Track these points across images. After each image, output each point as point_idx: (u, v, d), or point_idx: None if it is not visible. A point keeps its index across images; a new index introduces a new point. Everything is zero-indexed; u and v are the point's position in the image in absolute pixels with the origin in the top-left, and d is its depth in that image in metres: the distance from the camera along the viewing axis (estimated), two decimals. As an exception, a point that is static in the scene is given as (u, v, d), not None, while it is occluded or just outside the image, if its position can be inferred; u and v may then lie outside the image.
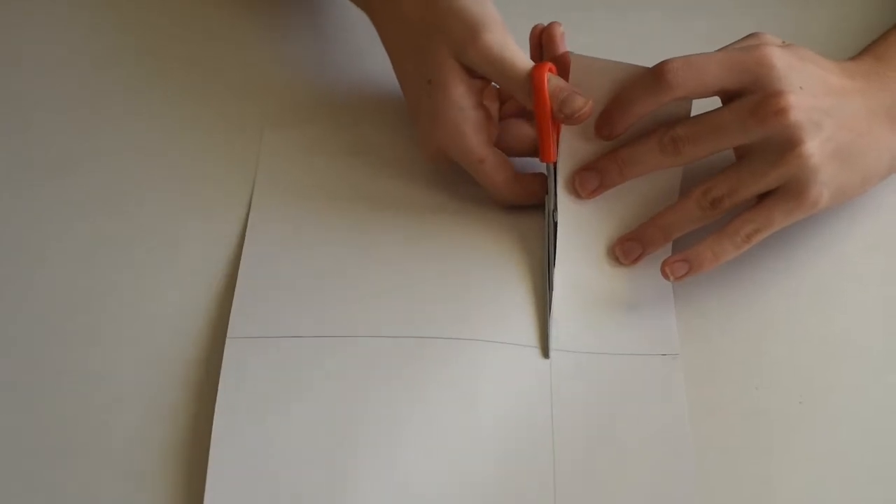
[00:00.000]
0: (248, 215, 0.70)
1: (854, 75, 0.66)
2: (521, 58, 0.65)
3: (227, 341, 0.63)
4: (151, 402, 0.63)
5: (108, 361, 0.64)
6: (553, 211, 0.66)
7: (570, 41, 0.68)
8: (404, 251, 0.68)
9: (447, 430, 0.61)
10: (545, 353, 0.64)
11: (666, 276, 0.64)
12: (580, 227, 0.67)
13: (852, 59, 0.68)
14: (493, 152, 0.67)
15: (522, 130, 0.69)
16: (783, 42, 0.64)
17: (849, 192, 0.65)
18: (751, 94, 0.62)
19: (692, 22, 0.79)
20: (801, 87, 0.62)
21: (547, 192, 0.67)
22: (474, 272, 0.67)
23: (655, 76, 0.63)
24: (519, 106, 0.69)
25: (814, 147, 0.61)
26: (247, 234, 0.69)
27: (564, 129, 0.66)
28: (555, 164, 0.66)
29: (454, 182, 0.70)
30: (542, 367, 0.63)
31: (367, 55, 0.77)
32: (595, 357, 0.64)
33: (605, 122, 0.65)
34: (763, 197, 0.63)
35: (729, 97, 0.63)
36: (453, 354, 0.63)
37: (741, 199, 0.63)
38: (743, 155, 0.64)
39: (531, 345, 0.64)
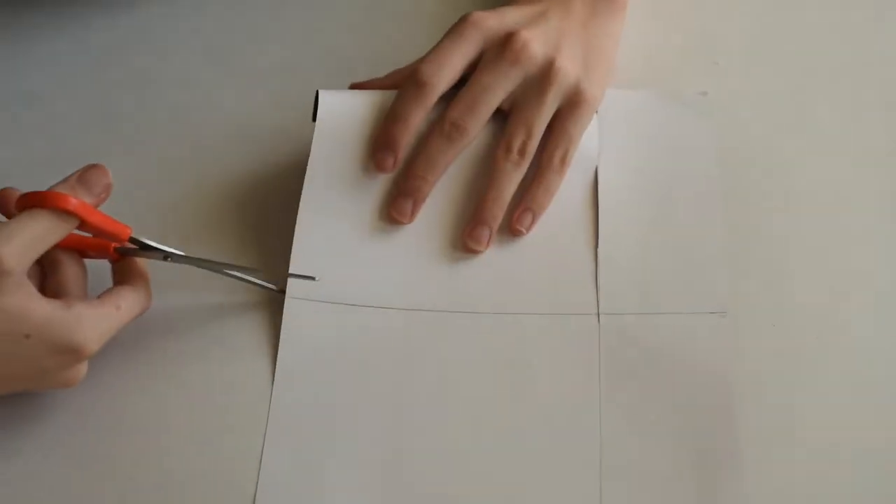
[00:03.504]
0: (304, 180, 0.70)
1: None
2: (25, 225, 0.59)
3: (287, 301, 0.66)
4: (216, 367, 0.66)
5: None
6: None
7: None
8: (456, 224, 0.69)
9: (496, 400, 0.64)
10: (594, 318, 0.66)
11: (519, 232, 0.68)
12: (620, 206, 0.69)
13: None
14: (115, 299, 0.62)
15: (72, 267, 0.63)
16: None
17: (607, 78, 0.71)
18: (489, 50, 0.68)
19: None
20: (516, 23, 0.69)
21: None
22: (522, 244, 0.69)
23: (416, 83, 0.68)
24: None
25: (563, 60, 0.68)
26: (302, 197, 0.69)
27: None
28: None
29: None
30: (592, 332, 0.65)
31: (411, 18, 0.80)
32: (643, 318, 0.66)
33: (387, 147, 0.69)
34: (551, 124, 0.69)
35: (472, 66, 0.69)
36: (503, 327, 0.66)
37: (539, 136, 0.68)
38: (513, 102, 0.69)
39: (581, 312, 0.66)
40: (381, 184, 0.69)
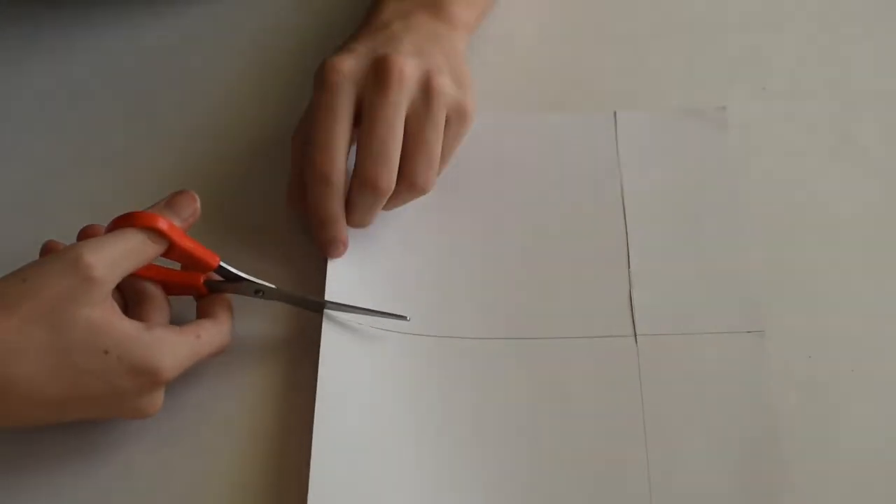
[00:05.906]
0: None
1: (388, 20, 0.71)
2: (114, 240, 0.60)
3: (324, 326, 0.65)
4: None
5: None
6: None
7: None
8: (483, 248, 0.69)
9: (539, 426, 0.63)
10: (632, 339, 0.66)
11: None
12: (653, 219, 0.70)
13: (365, 23, 0.72)
14: (195, 328, 0.62)
15: (155, 299, 0.63)
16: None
17: (467, 81, 0.70)
18: (367, 89, 0.66)
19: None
20: (374, 51, 0.67)
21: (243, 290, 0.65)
22: (554, 268, 0.69)
23: (319, 180, 0.66)
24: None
25: (437, 76, 0.67)
26: None
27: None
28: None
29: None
30: (630, 354, 0.65)
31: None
32: (681, 338, 0.66)
33: (331, 244, 0.67)
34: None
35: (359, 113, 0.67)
36: (540, 352, 0.66)
37: (436, 160, 0.67)
38: (406, 128, 0.67)
39: (618, 334, 0.66)
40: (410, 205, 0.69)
